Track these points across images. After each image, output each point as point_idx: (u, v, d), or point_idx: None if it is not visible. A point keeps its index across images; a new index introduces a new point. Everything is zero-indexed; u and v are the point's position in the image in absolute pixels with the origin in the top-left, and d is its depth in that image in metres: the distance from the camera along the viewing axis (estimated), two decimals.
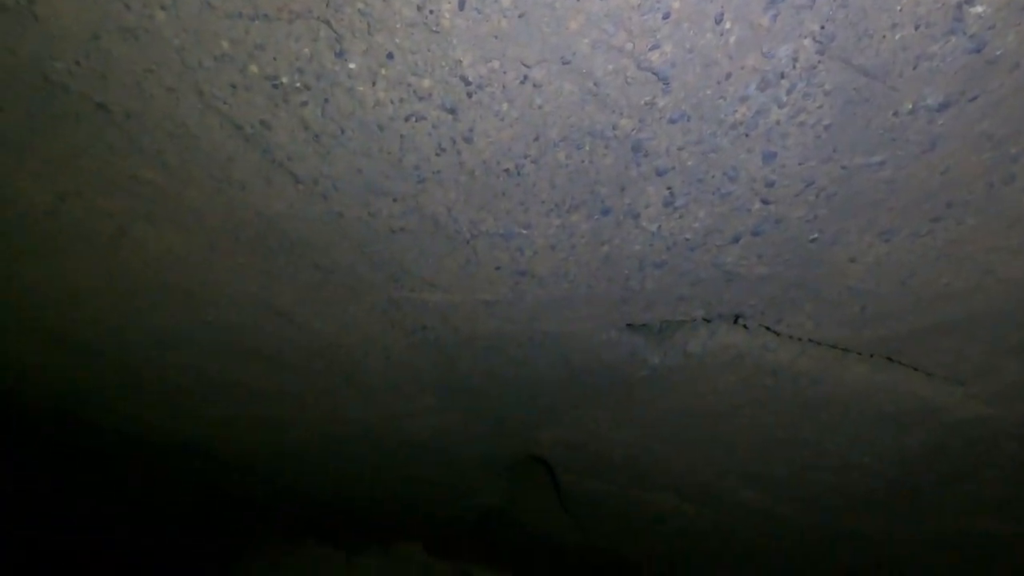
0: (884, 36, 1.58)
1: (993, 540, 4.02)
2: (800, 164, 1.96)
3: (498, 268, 2.62)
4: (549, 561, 8.06)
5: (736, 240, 2.31)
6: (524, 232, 2.39)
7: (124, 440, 4.92)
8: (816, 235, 2.24)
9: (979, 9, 1.49)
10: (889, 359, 2.84)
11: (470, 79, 1.80)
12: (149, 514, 7.04)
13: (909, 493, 3.78)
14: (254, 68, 1.86)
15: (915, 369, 2.86)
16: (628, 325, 3.01)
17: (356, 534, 9.67)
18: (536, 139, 1.98)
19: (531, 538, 7.02)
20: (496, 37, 1.67)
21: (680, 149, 1.96)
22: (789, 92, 1.75)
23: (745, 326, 2.87)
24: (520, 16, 1.61)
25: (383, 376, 3.63)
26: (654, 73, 1.73)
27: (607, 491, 5.18)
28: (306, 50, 1.78)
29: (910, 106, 1.75)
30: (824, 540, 4.58)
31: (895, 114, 1.77)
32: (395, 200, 2.30)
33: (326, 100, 1.92)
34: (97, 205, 2.54)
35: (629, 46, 1.66)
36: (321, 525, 9.15)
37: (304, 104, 1.94)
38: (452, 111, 1.90)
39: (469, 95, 1.84)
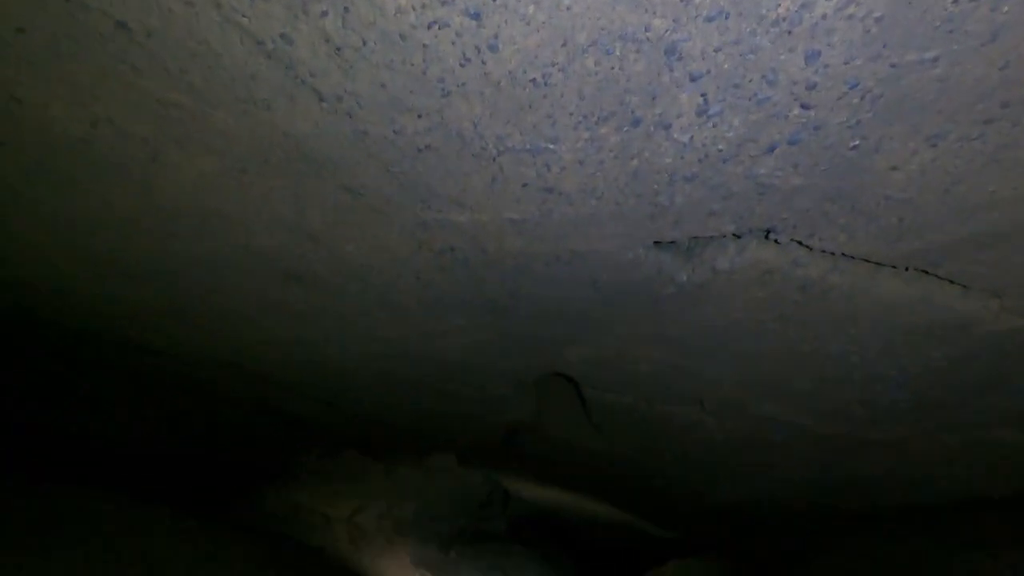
0: None
1: (1010, 449, 4.09)
2: (845, 63, 1.85)
3: (525, 185, 2.60)
4: (573, 471, 8.54)
5: (771, 150, 2.23)
6: (551, 147, 2.34)
7: (175, 361, 5.25)
8: (857, 142, 2.15)
9: None
10: (924, 272, 2.78)
11: None
12: (200, 432, 7.62)
13: (932, 405, 3.83)
14: None
15: (951, 282, 2.81)
16: (656, 243, 3.00)
17: (394, 447, 10.34)
18: (564, 45, 1.90)
19: (557, 449, 7.41)
20: None
21: (716, 51, 1.86)
22: None
23: (776, 241, 2.83)
24: None
25: (415, 296, 3.73)
26: None
27: (631, 405, 5.38)
28: None
29: None
30: (842, 450, 4.73)
31: (955, 1, 1.63)
32: (420, 116, 2.27)
33: (346, 9, 1.86)
34: (128, 130, 2.57)
35: None
36: (361, 439, 9.80)
37: (324, 14, 1.89)
38: (476, 16, 1.83)
39: None
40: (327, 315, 4.04)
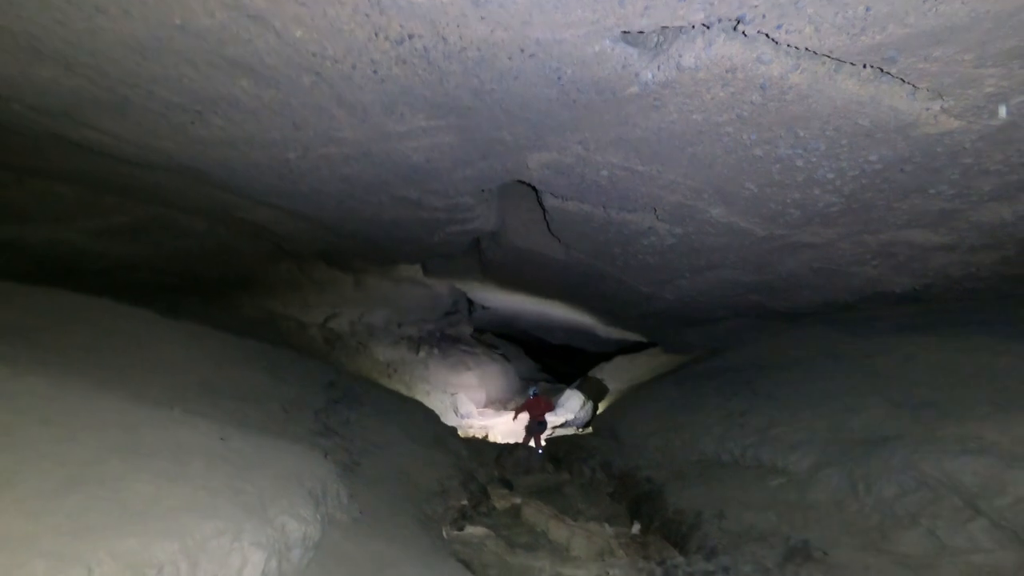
0: None
1: (918, 249, 4.62)
2: None
3: None
4: (534, 279, 9.18)
5: None
6: None
7: (126, 164, 5.06)
8: None
9: None
10: (880, 70, 2.84)
11: None
12: (168, 242, 7.60)
13: (860, 208, 4.19)
14: None
15: (903, 81, 2.89)
16: (623, 32, 2.90)
17: (361, 259, 10.69)
18: None
19: (518, 259, 7.87)
20: None
21: None
22: None
23: (744, 33, 2.79)
24: None
25: (373, 93, 3.59)
26: None
27: (589, 213, 5.64)
28: None
29: None
30: (776, 252, 5.23)
31: None
32: None
33: None
34: None
35: None
36: (329, 252, 10.05)
37: None
38: None
39: None
40: (282, 114, 3.88)
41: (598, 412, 11.36)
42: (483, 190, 5.63)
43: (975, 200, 3.89)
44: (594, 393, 12.82)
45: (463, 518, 4.58)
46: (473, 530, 4.35)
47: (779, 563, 3.56)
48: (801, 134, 3.41)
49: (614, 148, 4.15)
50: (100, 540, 1.68)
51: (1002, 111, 2.94)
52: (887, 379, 5.15)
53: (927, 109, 3.05)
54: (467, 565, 3.56)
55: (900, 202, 3.98)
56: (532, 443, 9.00)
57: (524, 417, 9.43)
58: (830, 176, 3.77)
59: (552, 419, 11.89)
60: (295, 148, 4.38)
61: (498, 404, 15.76)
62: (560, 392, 15.30)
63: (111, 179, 5.55)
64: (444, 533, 4.19)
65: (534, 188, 5.51)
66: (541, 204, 5.89)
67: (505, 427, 10.17)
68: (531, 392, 10.81)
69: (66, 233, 6.40)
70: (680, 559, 3.95)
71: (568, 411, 13.36)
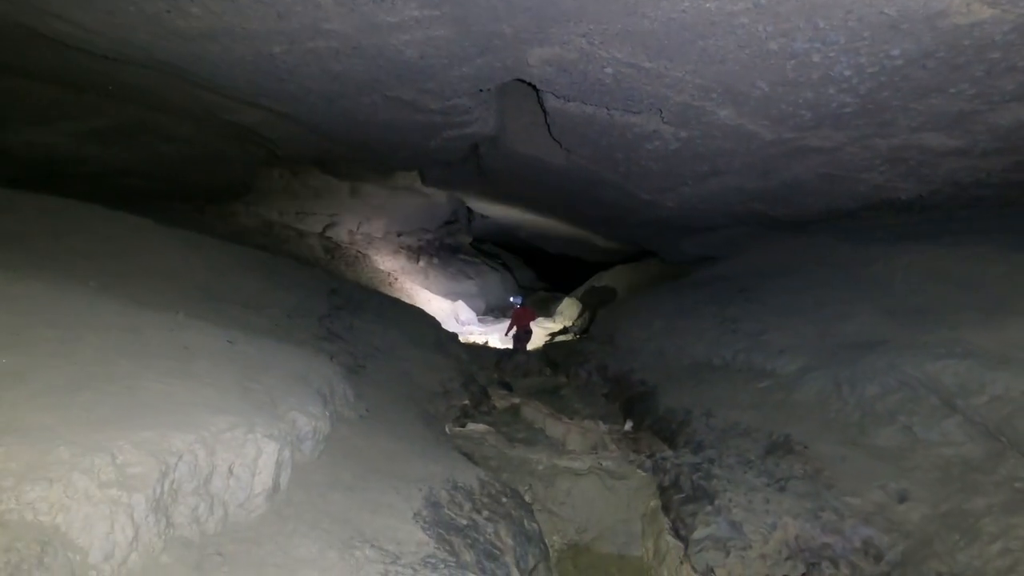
0: None
1: (931, 154, 4.48)
2: None
3: None
4: (533, 187, 8.99)
5: None
6: None
7: (102, 61, 4.76)
8: None
9: None
10: None
11: None
12: (158, 147, 7.35)
13: (874, 109, 4.00)
14: None
15: None
16: None
17: (357, 166, 10.41)
18: None
19: (518, 164, 7.66)
20: None
21: None
22: None
23: None
24: None
25: None
26: None
27: (592, 115, 5.39)
28: None
29: None
30: (782, 156, 5.07)
31: None
32: None
33: None
34: None
35: None
36: (323, 159, 9.74)
37: None
38: None
39: None
40: (264, 2, 3.57)
41: (595, 319, 11.63)
42: (481, 90, 5.35)
43: (996, 100, 3.71)
44: (595, 301, 13.04)
45: (465, 416, 4.83)
46: (474, 426, 4.60)
47: (761, 455, 3.80)
48: (821, 25, 3.18)
49: (620, 42, 3.89)
50: (118, 431, 1.76)
51: None
52: (881, 287, 5.21)
53: None
54: (469, 457, 3.81)
55: (917, 102, 3.80)
56: (515, 348, 9.37)
57: (513, 329, 9.78)
58: (847, 74, 3.57)
59: (546, 326, 12.18)
60: (280, 41, 4.10)
61: (497, 312, 16.11)
62: (559, 301, 15.58)
63: (89, 77, 5.26)
64: (447, 429, 4.43)
65: (535, 89, 5.23)
66: (542, 106, 5.63)
67: (508, 338, 10.51)
68: (516, 302, 11.04)
69: (47, 135, 6.17)
70: (669, 452, 4.21)
71: (567, 319, 13.67)
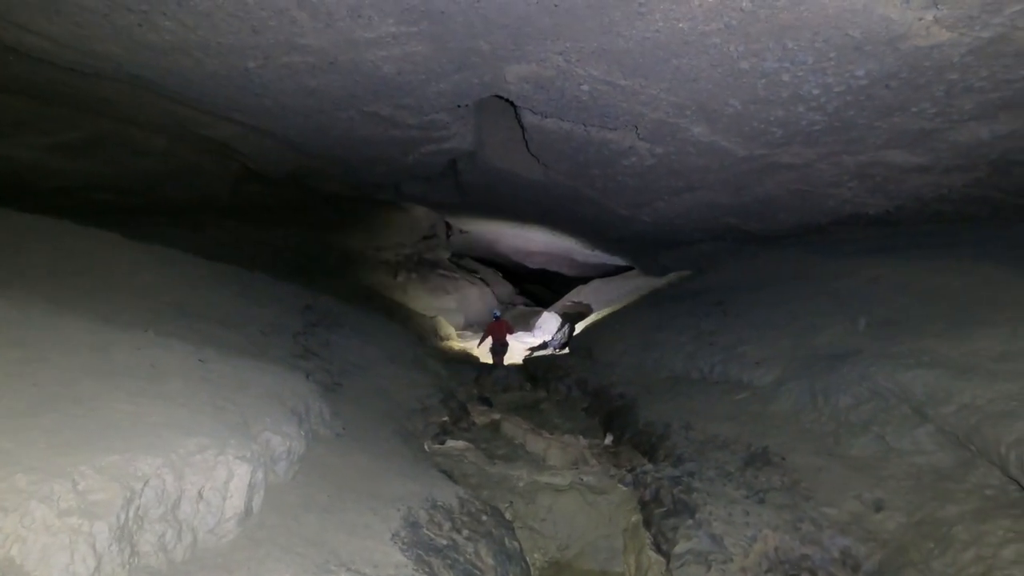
0: None
1: (896, 170, 4.64)
2: None
3: None
4: (512, 202, 9.03)
5: None
6: None
7: (71, 73, 4.66)
8: None
9: None
10: None
11: None
12: (128, 162, 7.18)
13: (842, 127, 4.14)
14: None
15: None
16: None
17: (335, 184, 10.31)
18: None
19: (496, 180, 7.69)
20: None
21: None
22: None
23: None
24: None
25: None
26: None
27: (569, 132, 5.46)
28: None
29: None
30: (754, 172, 5.20)
31: None
32: None
33: None
34: None
35: None
36: (301, 175, 9.64)
37: None
38: None
39: None
40: (238, 16, 3.55)
41: (575, 334, 11.65)
42: (459, 106, 5.37)
43: (955, 119, 3.87)
44: (574, 315, 13.08)
45: (444, 433, 4.77)
46: (454, 443, 4.54)
47: (740, 467, 3.82)
48: (790, 45, 3.28)
49: (596, 60, 3.96)
50: (81, 455, 1.69)
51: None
52: (852, 299, 5.33)
53: (920, 19, 2.94)
54: (448, 475, 3.75)
55: (882, 120, 3.94)
56: (495, 363, 9.38)
57: (488, 341, 9.82)
58: (815, 92, 3.68)
59: (527, 341, 12.16)
60: (254, 56, 4.07)
61: (476, 327, 16.02)
62: (538, 315, 15.59)
63: (58, 90, 5.13)
64: (426, 447, 4.37)
65: (513, 105, 5.28)
66: (520, 122, 5.68)
67: (483, 350, 10.45)
68: (493, 314, 11.09)
69: (15, 148, 5.99)
70: (649, 466, 4.21)
71: (546, 333, 13.67)
